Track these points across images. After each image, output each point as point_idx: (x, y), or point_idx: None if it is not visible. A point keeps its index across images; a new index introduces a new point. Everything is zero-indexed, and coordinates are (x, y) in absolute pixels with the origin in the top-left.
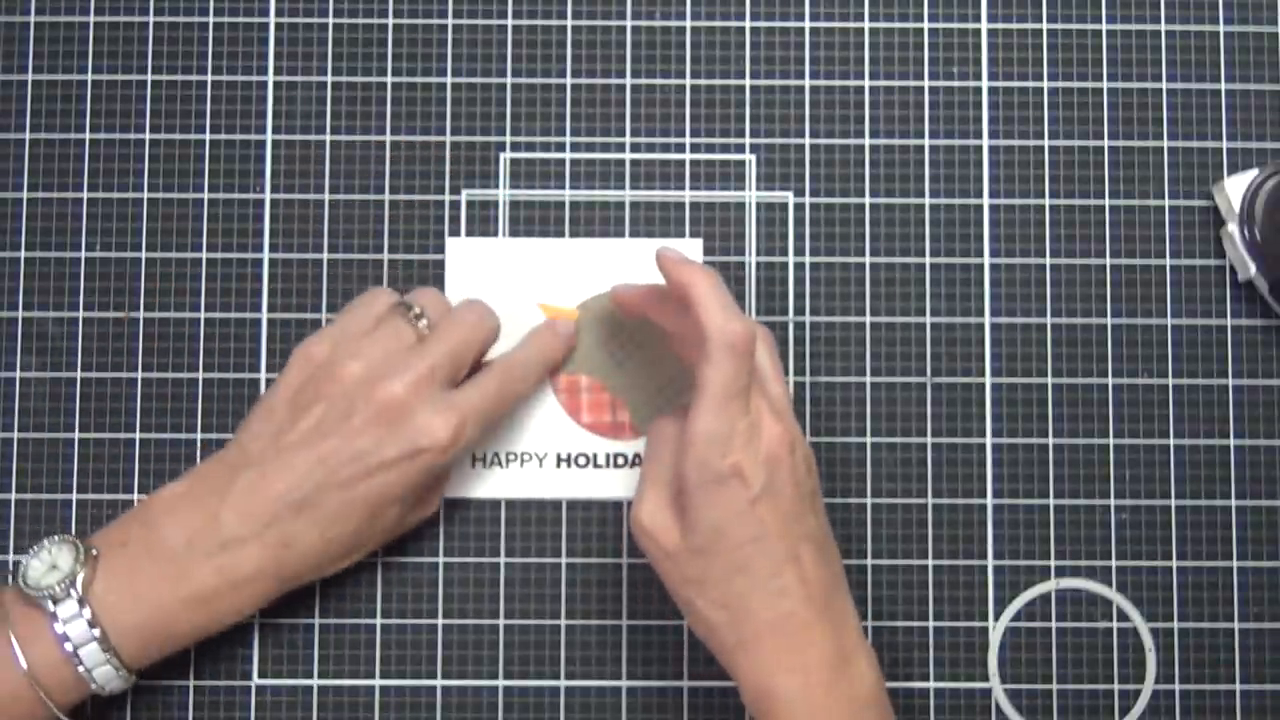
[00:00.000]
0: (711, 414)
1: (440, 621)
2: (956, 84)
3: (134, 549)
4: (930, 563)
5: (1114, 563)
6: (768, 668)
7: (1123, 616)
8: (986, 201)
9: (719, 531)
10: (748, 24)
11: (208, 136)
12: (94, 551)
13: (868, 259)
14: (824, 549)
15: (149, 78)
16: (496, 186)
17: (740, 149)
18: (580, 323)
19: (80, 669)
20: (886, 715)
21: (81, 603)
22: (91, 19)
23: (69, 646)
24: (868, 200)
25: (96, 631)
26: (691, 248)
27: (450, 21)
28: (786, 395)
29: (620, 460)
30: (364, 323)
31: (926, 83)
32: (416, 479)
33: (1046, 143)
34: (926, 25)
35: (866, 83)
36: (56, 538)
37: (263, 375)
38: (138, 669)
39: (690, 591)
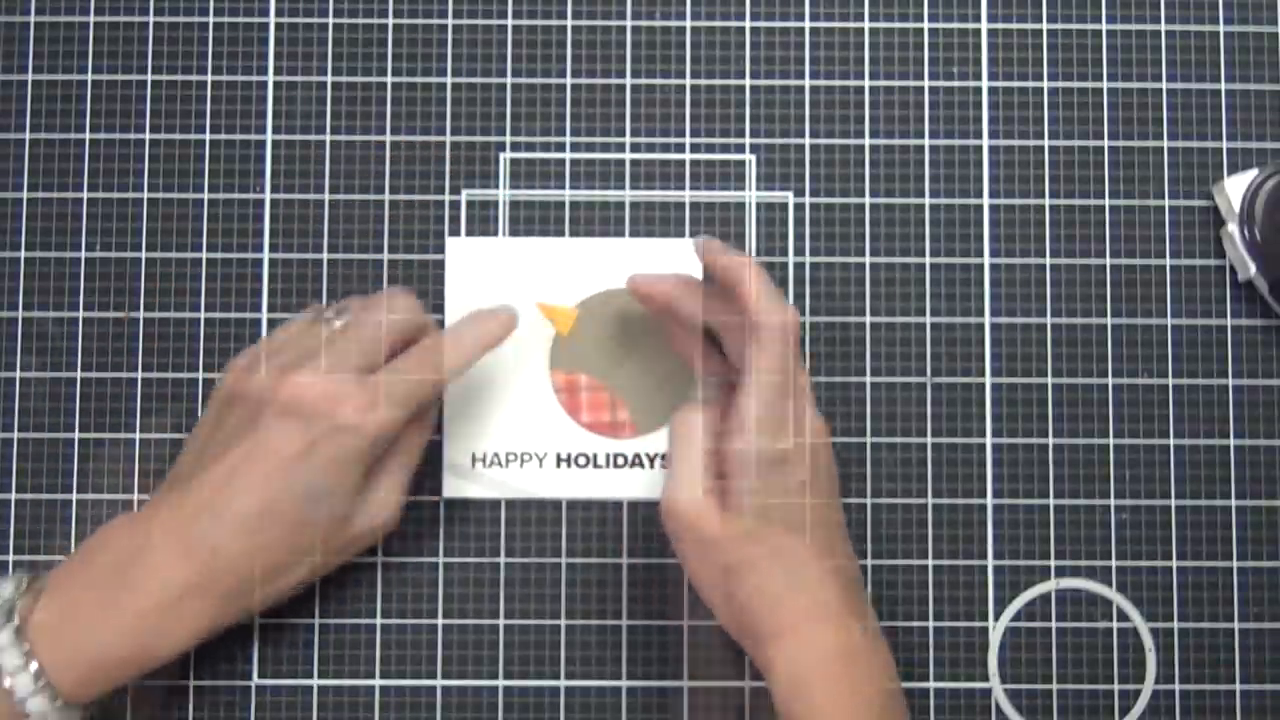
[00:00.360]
0: (765, 398)
1: (440, 621)
2: (956, 84)
3: (74, 579)
4: (930, 563)
5: (1114, 563)
6: (804, 658)
7: (1123, 616)
8: (986, 201)
9: (766, 516)
10: (748, 24)
11: (208, 136)
12: (39, 583)
13: (868, 259)
14: (848, 540)
15: (149, 78)
16: (496, 186)
17: (740, 149)
18: (580, 322)
19: (16, 699)
20: (904, 702)
21: (18, 632)
22: (91, 19)
23: (6, 679)
24: (868, 200)
25: (33, 664)
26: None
27: (450, 21)
28: (810, 386)
29: (620, 460)
30: (283, 334)
31: (926, 83)
32: (336, 469)
33: (1046, 143)
34: (926, 25)
35: (866, 83)
36: (13, 570)
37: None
38: (84, 702)
39: (731, 581)
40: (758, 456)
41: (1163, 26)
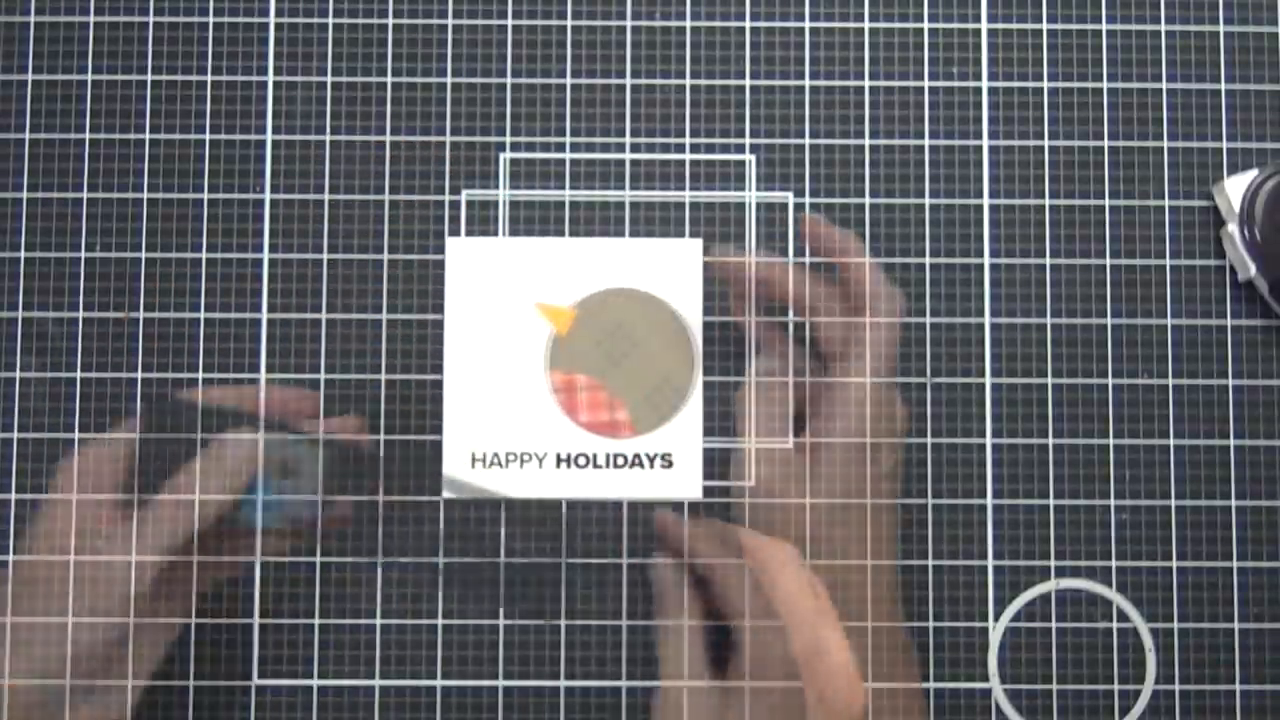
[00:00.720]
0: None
1: (440, 622)
2: (956, 84)
3: None
4: (930, 563)
5: (1114, 563)
6: None
7: (1123, 616)
8: (986, 201)
9: None
10: (748, 24)
11: (208, 136)
12: None
13: (868, 259)
14: None
15: (149, 78)
16: (496, 186)
17: (740, 149)
18: (577, 322)
19: None
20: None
21: None
22: (91, 19)
23: None
24: (868, 200)
25: None
26: (691, 248)
27: (450, 21)
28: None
29: (620, 460)
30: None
31: (926, 83)
32: None
33: (1046, 143)
34: (926, 25)
35: (866, 83)
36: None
37: (262, 375)
38: None
39: None
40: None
41: (1163, 26)
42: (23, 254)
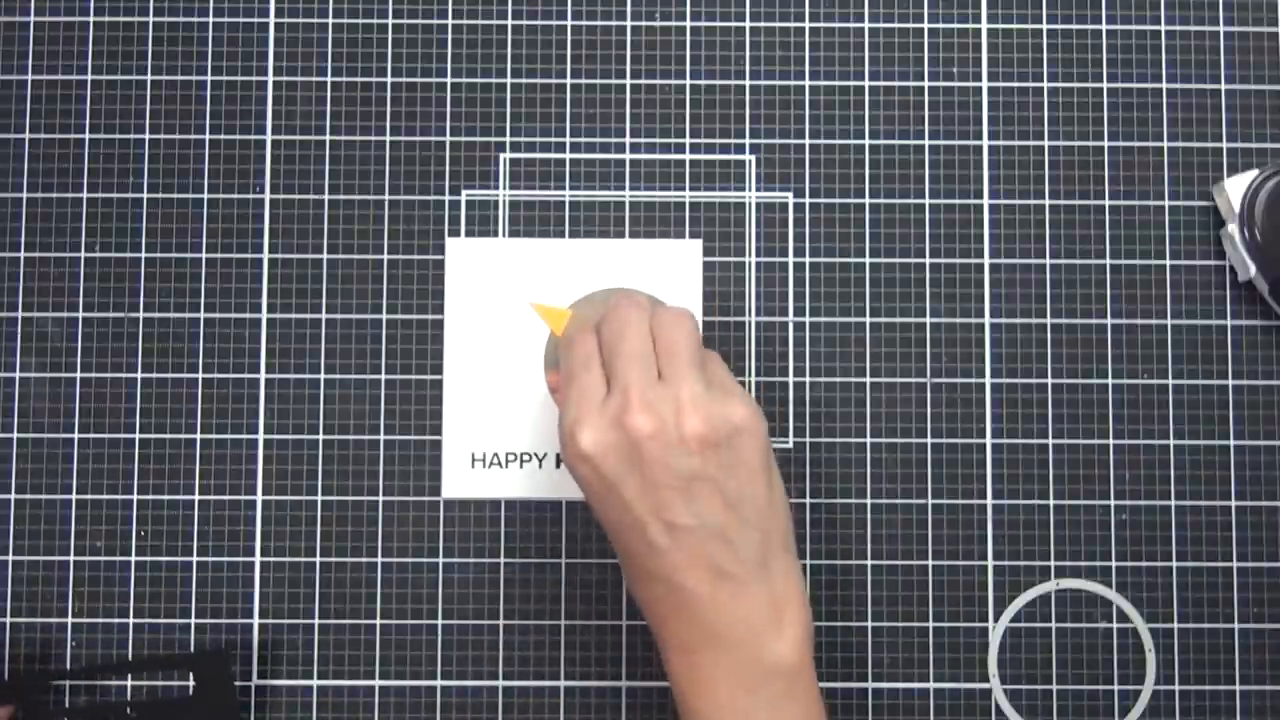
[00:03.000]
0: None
1: (440, 622)
2: (956, 84)
3: None
4: (930, 563)
5: (1114, 563)
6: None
7: (1123, 616)
8: (986, 201)
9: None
10: (748, 24)
11: (207, 136)
12: None
13: (868, 259)
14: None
15: (149, 78)
16: (496, 186)
17: (740, 149)
18: (574, 322)
19: None
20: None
21: None
22: (91, 19)
23: None
24: (868, 200)
25: None
26: (691, 248)
27: (450, 21)
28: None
29: None
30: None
31: (926, 83)
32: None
33: (1046, 143)
34: (926, 25)
35: (866, 83)
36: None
37: (262, 375)
38: None
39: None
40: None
41: (1163, 26)
42: (23, 254)
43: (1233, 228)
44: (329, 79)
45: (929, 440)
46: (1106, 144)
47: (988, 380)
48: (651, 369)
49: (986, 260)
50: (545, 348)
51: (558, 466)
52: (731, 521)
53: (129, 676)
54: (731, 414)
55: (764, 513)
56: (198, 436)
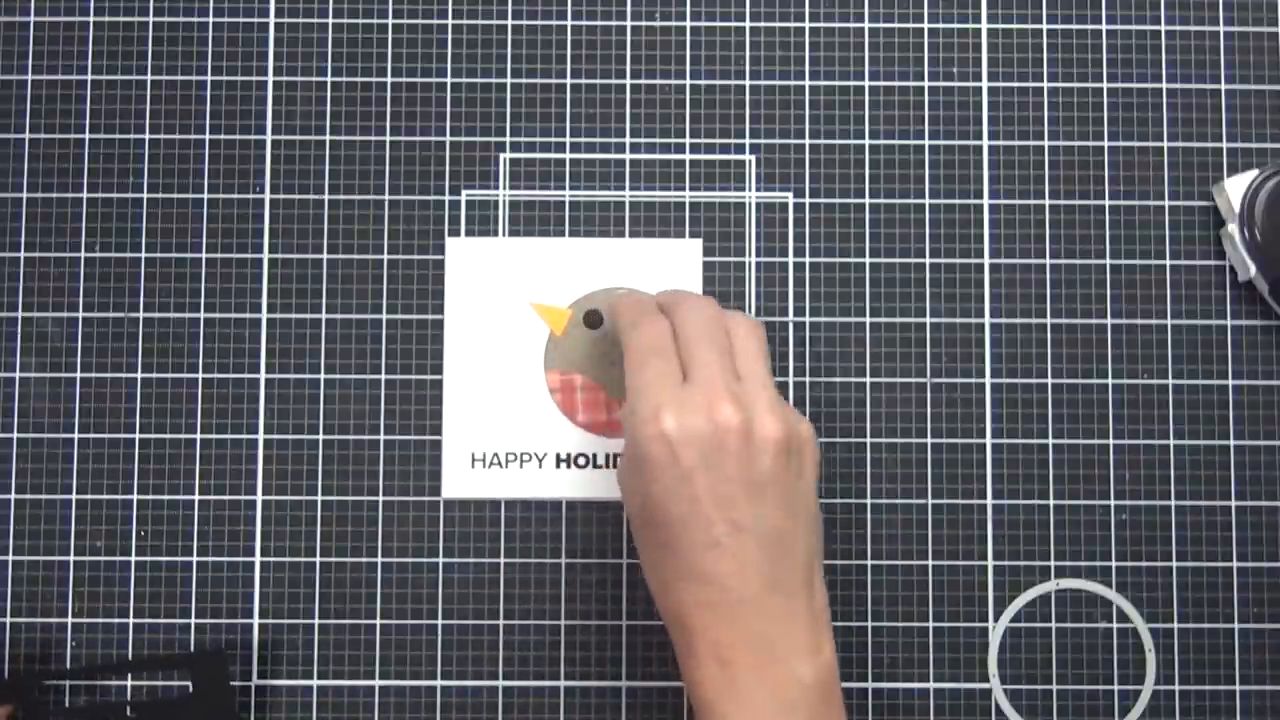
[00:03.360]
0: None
1: (440, 622)
2: (956, 84)
3: None
4: (930, 563)
5: (1114, 563)
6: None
7: (1123, 616)
8: (986, 201)
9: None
10: (748, 24)
11: (207, 136)
12: None
13: (868, 259)
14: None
15: (149, 78)
16: (496, 186)
17: (740, 149)
18: (573, 321)
19: None
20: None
21: None
22: (91, 19)
23: None
24: (868, 200)
25: None
26: (691, 248)
27: (450, 21)
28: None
29: (619, 460)
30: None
31: (926, 83)
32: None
33: (1046, 143)
34: (926, 25)
35: (866, 83)
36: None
37: (262, 375)
38: None
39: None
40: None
41: (1163, 26)
42: (23, 254)
43: (1233, 228)
44: (329, 79)
45: (929, 440)
46: (1106, 144)
47: (988, 380)
48: (731, 365)
49: (986, 260)
50: (545, 347)
51: (558, 466)
52: (790, 531)
53: (128, 676)
54: (801, 426)
55: (813, 529)
56: (198, 436)
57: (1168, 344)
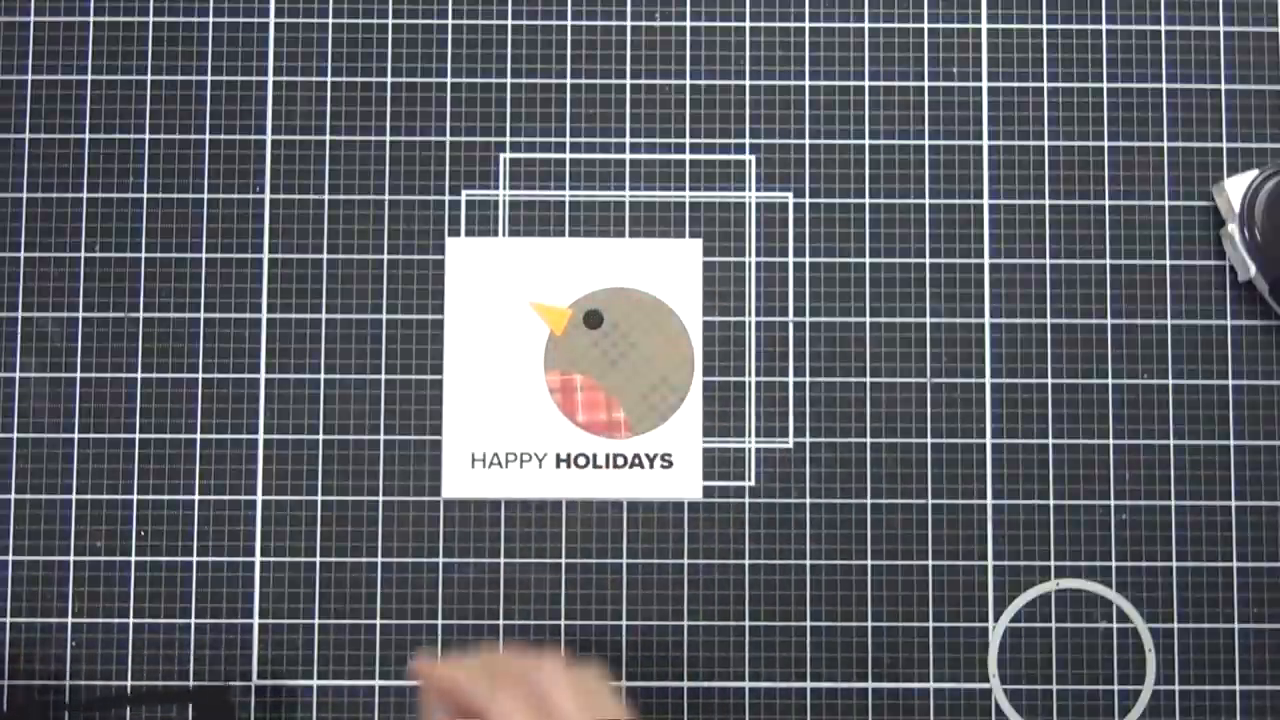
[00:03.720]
0: None
1: (440, 622)
2: (956, 84)
3: None
4: (930, 563)
5: (1114, 563)
6: None
7: (1123, 616)
8: (986, 201)
9: None
10: (748, 24)
11: (207, 136)
12: None
13: (868, 259)
14: None
15: (149, 78)
16: (496, 186)
17: (740, 149)
18: (573, 321)
19: None
20: None
21: None
22: (91, 19)
23: None
24: (868, 200)
25: None
26: (691, 248)
27: (450, 21)
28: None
29: (619, 460)
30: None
31: (926, 83)
32: None
33: (1046, 143)
34: (926, 25)
35: (866, 83)
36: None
37: (262, 375)
38: None
39: None
40: None
41: (1163, 26)
42: (23, 254)
43: (1233, 228)
44: (329, 79)
45: (929, 440)
46: (1106, 144)
47: (988, 380)
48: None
49: (986, 260)
50: (545, 347)
51: (557, 466)
52: None
53: (127, 710)
54: None
55: None
56: (198, 436)
57: (1168, 344)
